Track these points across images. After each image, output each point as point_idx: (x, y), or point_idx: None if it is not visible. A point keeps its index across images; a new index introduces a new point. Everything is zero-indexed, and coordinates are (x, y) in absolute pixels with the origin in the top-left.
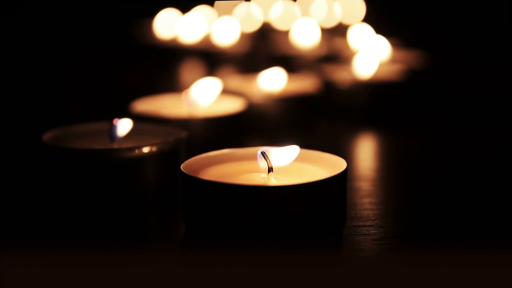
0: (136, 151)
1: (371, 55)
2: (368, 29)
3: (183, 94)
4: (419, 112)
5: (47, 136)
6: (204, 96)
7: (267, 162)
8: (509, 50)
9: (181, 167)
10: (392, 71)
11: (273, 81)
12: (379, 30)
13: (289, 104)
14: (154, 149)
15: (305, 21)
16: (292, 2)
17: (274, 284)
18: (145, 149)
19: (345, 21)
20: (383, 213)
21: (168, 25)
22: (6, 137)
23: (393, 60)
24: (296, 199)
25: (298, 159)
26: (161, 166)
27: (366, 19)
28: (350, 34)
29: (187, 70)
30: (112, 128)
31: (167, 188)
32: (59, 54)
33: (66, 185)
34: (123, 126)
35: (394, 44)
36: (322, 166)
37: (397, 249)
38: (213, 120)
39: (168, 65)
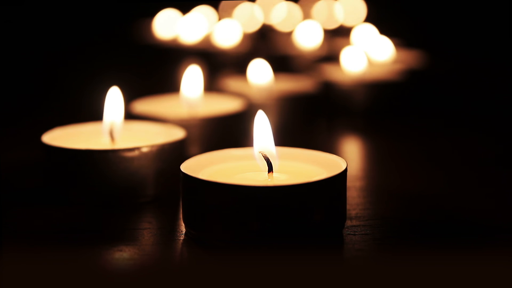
0: (136, 151)
1: (359, 51)
2: (371, 29)
3: (180, 94)
4: (419, 112)
5: (47, 136)
6: (195, 93)
7: (267, 162)
8: (509, 50)
9: (181, 167)
10: (392, 71)
11: (261, 74)
12: (381, 30)
13: (289, 104)
14: (154, 149)
15: (307, 23)
16: (294, 3)
17: (274, 284)
18: (145, 149)
19: (347, 23)
20: (383, 213)
21: (168, 26)
22: (6, 136)
23: (393, 60)
24: (296, 199)
25: (298, 159)
26: (161, 166)
27: (367, 21)
28: (354, 34)
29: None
30: None
31: (167, 188)
32: (58, 53)
33: (66, 185)
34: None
35: (395, 44)
36: (322, 166)
37: (397, 249)
38: (213, 120)
39: (168, 65)
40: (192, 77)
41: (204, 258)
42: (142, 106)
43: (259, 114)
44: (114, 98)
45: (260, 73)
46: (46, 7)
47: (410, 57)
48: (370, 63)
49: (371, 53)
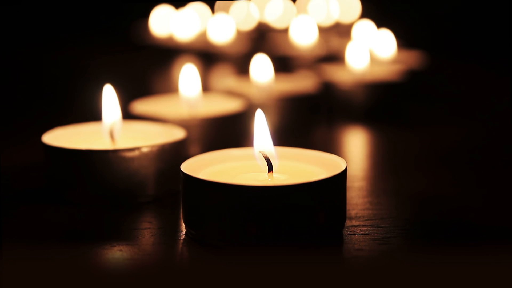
0: (136, 151)
1: (363, 48)
2: (371, 25)
3: (180, 94)
4: (418, 112)
5: (47, 136)
6: (193, 92)
7: (267, 161)
8: (509, 50)
9: (181, 167)
10: (393, 71)
11: (263, 72)
12: (378, 27)
13: (289, 104)
14: (154, 149)
15: (302, 19)
16: (291, 1)
17: (274, 284)
18: (145, 149)
19: (343, 20)
20: (383, 213)
21: (163, 23)
22: (6, 136)
23: (394, 60)
24: (296, 199)
25: (298, 159)
26: (161, 166)
27: (363, 17)
28: (355, 31)
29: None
30: None
31: (167, 188)
32: (57, 53)
33: (66, 185)
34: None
35: (396, 43)
36: (322, 166)
37: (397, 249)
38: (213, 120)
39: (166, 64)
40: (189, 76)
41: (204, 258)
42: (142, 106)
43: (258, 114)
44: (110, 97)
45: (261, 71)
46: (43, 9)
47: (410, 57)
48: (373, 60)
49: (374, 50)
